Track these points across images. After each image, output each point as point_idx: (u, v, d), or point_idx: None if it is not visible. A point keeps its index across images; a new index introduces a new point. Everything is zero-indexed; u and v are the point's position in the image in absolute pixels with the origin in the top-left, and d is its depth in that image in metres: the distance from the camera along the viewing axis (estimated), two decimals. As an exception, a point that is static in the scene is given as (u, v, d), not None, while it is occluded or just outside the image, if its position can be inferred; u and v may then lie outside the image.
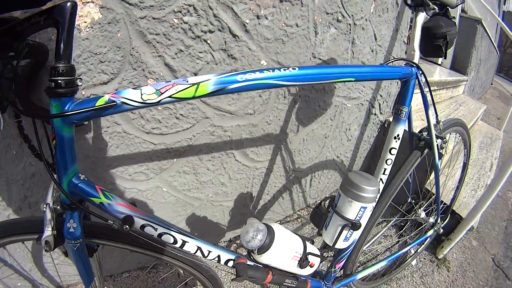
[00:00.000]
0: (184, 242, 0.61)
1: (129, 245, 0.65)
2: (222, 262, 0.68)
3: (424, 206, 1.36)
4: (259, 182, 1.36)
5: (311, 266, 0.83)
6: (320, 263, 0.88)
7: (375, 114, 1.76)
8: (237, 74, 0.50)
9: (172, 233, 0.59)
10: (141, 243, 0.64)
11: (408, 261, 1.57)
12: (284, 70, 0.54)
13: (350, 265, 1.08)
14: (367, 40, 1.39)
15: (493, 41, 6.53)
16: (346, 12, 1.23)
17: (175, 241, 0.60)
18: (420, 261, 1.71)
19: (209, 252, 0.65)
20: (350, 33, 1.28)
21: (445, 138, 0.99)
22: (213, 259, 0.67)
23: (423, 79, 0.86)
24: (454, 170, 1.98)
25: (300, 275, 0.85)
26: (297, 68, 0.56)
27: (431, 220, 1.34)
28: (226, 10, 0.85)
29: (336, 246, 0.82)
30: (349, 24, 1.26)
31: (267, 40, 0.99)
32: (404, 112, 0.83)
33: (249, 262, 0.71)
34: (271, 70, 0.53)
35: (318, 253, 0.85)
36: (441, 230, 1.41)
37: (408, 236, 1.39)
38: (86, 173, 0.55)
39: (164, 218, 1.06)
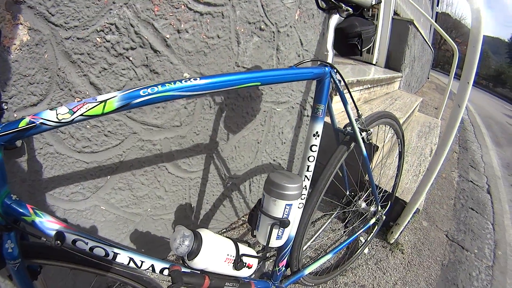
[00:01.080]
0: (115, 254, 0.60)
1: (67, 262, 0.63)
2: (157, 271, 0.67)
3: (364, 197, 1.42)
4: (197, 192, 1.37)
5: (248, 267, 0.84)
6: (259, 263, 0.90)
7: (307, 115, 1.81)
8: (140, 89, 0.51)
9: (103, 246, 0.59)
10: (78, 259, 0.62)
11: (359, 250, 1.63)
12: (185, 81, 0.56)
13: (295, 262, 1.11)
14: (293, 46, 1.45)
15: (427, 39, 7.07)
16: (269, 20, 1.28)
17: (107, 254, 0.59)
18: (373, 248, 1.78)
19: (142, 262, 0.64)
20: (274, 40, 1.33)
21: (369, 130, 1.04)
22: (147, 269, 0.66)
23: (338, 78, 0.91)
24: (395, 160, 2.13)
25: (240, 277, 0.86)
26: (198, 78, 0.57)
27: (372, 209, 1.41)
28: (147, 26, 0.87)
29: (270, 245, 0.84)
30: (273, 32, 1.31)
31: (188, 53, 1.02)
32: (321, 110, 0.86)
33: (184, 269, 0.71)
34: (172, 83, 0.54)
35: (254, 253, 0.86)
36: (384, 217, 1.48)
37: (351, 227, 1.45)
38: (25, 197, 0.54)
39: (107, 237, 1.08)
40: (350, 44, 0.86)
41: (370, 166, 1.60)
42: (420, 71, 7.08)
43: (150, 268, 0.66)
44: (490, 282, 1.83)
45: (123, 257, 0.61)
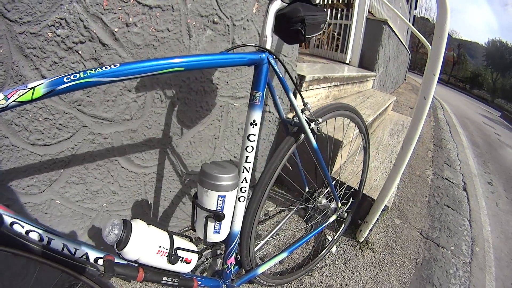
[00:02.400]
0: (50, 240, 0.60)
1: (9, 247, 0.60)
2: (92, 260, 0.66)
3: (324, 193, 1.38)
4: (152, 188, 1.33)
5: (187, 262, 0.82)
6: (199, 259, 0.88)
7: (269, 111, 1.78)
8: (64, 76, 0.52)
9: (38, 230, 0.59)
10: (18, 245, 0.60)
11: (326, 249, 1.59)
12: (106, 68, 0.55)
13: (246, 260, 1.06)
14: (250, 40, 1.42)
15: (403, 42, 7.19)
16: (224, 13, 1.25)
17: (41, 239, 0.59)
18: (341, 247, 1.74)
19: (76, 250, 0.64)
20: (229, 33, 1.30)
21: (317, 120, 1.00)
22: (81, 256, 0.65)
23: (279, 64, 0.89)
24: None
25: (181, 272, 0.83)
26: (118, 65, 0.56)
27: (332, 205, 1.37)
28: (96, 20, 0.87)
29: (209, 240, 0.83)
30: (227, 25, 1.28)
31: (137, 46, 1.01)
32: (258, 97, 0.82)
33: (117, 260, 0.70)
34: (93, 70, 0.54)
35: (192, 248, 0.84)
36: (346, 214, 1.44)
37: (310, 224, 1.40)
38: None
39: (65, 232, 1.08)
40: (293, 30, 0.83)
41: (332, 161, 1.57)
42: (395, 72, 7.19)
43: (84, 257, 0.66)
44: (468, 279, 1.82)
45: (57, 243, 0.62)
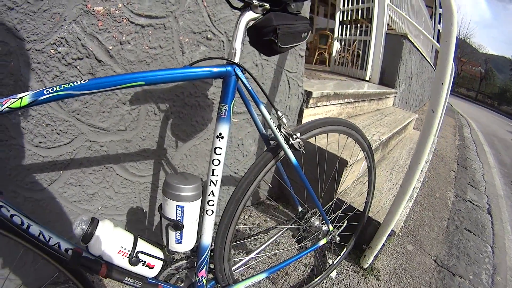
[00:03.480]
0: (29, 225, 0.67)
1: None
2: (63, 249, 0.72)
3: (318, 214, 1.31)
4: (148, 197, 1.38)
5: (149, 267, 0.84)
6: (163, 266, 0.90)
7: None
8: (44, 89, 0.58)
9: (20, 215, 0.66)
10: (6, 226, 0.67)
11: (324, 273, 1.50)
12: (76, 83, 0.60)
13: (220, 275, 1.02)
14: (248, 55, 1.41)
15: (427, 57, 7.00)
16: (218, 29, 1.26)
17: (22, 223, 0.66)
18: (342, 272, 1.63)
19: (50, 238, 0.70)
20: (224, 49, 1.31)
21: (294, 135, 0.94)
22: (54, 245, 0.71)
23: (248, 77, 0.86)
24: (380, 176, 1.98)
25: (146, 276, 0.86)
26: (87, 80, 0.61)
27: (324, 228, 1.30)
28: (93, 39, 0.97)
29: (172, 249, 0.87)
30: (222, 41, 1.29)
31: (131, 63, 1.09)
32: (224, 110, 0.80)
33: (85, 254, 0.75)
34: (67, 84, 0.59)
35: (158, 255, 0.86)
36: (337, 238, 1.36)
37: (302, 245, 1.32)
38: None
39: (62, 229, 1.16)
40: (265, 40, 0.79)
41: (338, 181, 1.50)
42: (419, 89, 6.97)
43: (57, 245, 0.72)
44: (487, 313, 1.66)
45: (34, 229, 0.68)
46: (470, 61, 48.71)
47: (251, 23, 0.80)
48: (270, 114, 0.92)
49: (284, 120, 0.93)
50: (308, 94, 1.92)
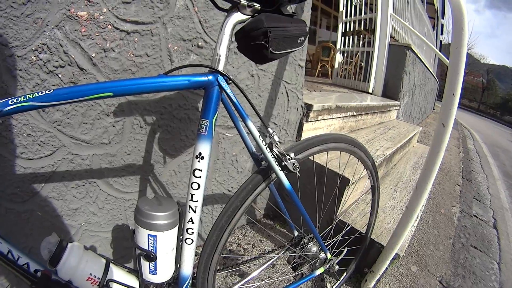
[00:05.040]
0: None
1: None
2: (32, 270, 0.67)
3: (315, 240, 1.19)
4: (133, 215, 1.26)
5: None
6: None
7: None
8: (9, 99, 0.53)
9: None
10: None
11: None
12: (41, 93, 0.55)
13: None
14: (243, 65, 1.33)
15: (430, 68, 6.94)
16: (210, 37, 1.18)
17: None
18: (342, 299, 1.52)
19: (19, 257, 0.66)
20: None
21: (288, 156, 0.84)
22: (23, 265, 0.67)
23: (233, 88, 0.78)
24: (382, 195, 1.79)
25: None
26: (52, 90, 0.56)
27: (322, 255, 1.18)
28: (75, 46, 0.91)
29: (146, 280, 0.80)
30: (214, 49, 1.19)
31: (115, 71, 1.02)
32: (204, 126, 0.71)
33: (55, 277, 0.70)
34: (31, 94, 0.55)
35: (131, 284, 0.80)
36: (336, 267, 1.24)
37: (298, 273, 1.21)
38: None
39: None
40: (255, 45, 0.70)
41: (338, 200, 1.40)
42: (423, 101, 6.90)
43: (26, 265, 0.67)
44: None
45: (3, 247, 0.64)
46: (472, 71, 48.91)
47: (239, 26, 0.71)
48: (266, 130, 0.83)
49: (276, 138, 0.83)
50: (309, 107, 1.82)
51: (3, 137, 0.88)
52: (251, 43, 0.70)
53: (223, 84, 0.72)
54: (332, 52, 6.33)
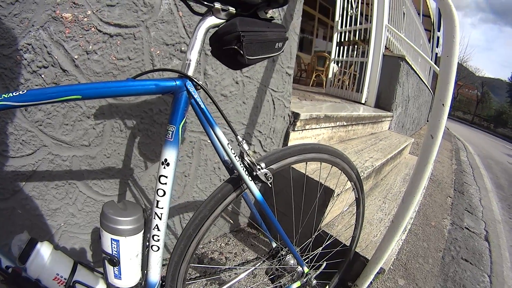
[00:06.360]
0: None
1: None
2: (3, 265, 0.68)
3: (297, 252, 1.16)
4: None
5: None
6: None
7: (254, 151, 1.66)
8: None
9: None
10: None
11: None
12: (15, 93, 0.55)
13: None
14: (228, 71, 1.32)
15: (424, 80, 6.99)
16: None
17: None
18: (324, 314, 1.49)
19: None
20: (200, 64, 1.22)
21: (258, 165, 0.81)
22: None
23: (203, 93, 0.76)
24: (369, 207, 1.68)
25: None
26: (25, 90, 0.56)
27: (299, 269, 1.14)
28: (59, 47, 0.92)
29: (112, 284, 0.78)
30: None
31: (96, 74, 1.02)
32: (171, 132, 0.70)
33: (24, 275, 0.70)
34: (6, 94, 0.55)
35: (97, 287, 0.80)
36: (314, 281, 1.20)
37: (276, 285, 1.17)
38: None
39: None
40: (227, 50, 0.68)
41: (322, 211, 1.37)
42: (416, 112, 6.93)
43: None
44: None
45: None
46: (467, 84, 49.46)
47: (214, 31, 0.69)
48: (236, 139, 0.80)
49: (246, 146, 0.80)
50: (296, 115, 1.80)
51: (-17, 136, 0.89)
52: (223, 47, 0.68)
53: (191, 89, 0.71)
54: (327, 62, 6.36)
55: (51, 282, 0.72)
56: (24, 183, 1.01)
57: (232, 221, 1.87)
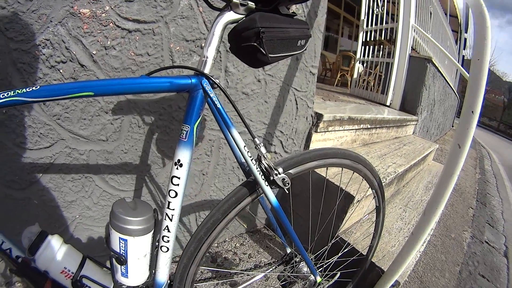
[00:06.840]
0: None
1: None
2: (13, 255, 0.71)
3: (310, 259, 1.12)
4: None
5: None
6: None
7: (275, 152, 1.63)
8: (1, 93, 0.53)
9: None
10: None
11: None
12: (29, 89, 0.55)
13: None
14: (250, 69, 1.29)
15: (451, 84, 6.75)
16: None
17: None
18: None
19: (3, 242, 0.70)
20: (221, 60, 1.20)
21: (276, 170, 0.77)
22: (6, 249, 0.70)
23: (219, 92, 0.72)
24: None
25: None
26: (38, 86, 0.56)
27: (312, 278, 1.10)
28: (77, 42, 0.92)
29: (118, 281, 0.77)
30: (219, 51, 1.16)
31: (115, 69, 1.02)
32: (185, 132, 0.67)
33: (33, 265, 0.71)
34: (20, 90, 0.55)
35: (104, 283, 0.80)
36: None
37: None
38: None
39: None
40: (246, 47, 0.65)
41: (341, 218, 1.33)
42: (442, 117, 6.71)
43: (8, 250, 0.71)
44: None
45: None
46: (493, 89, 47.54)
47: (231, 27, 0.67)
48: (253, 141, 0.77)
49: (263, 149, 0.77)
50: (319, 116, 1.75)
51: (5, 126, 0.91)
52: (242, 44, 0.65)
53: (208, 88, 0.68)
54: (352, 62, 6.23)
55: (58, 275, 0.73)
56: (41, 174, 1.03)
57: (248, 223, 1.85)
